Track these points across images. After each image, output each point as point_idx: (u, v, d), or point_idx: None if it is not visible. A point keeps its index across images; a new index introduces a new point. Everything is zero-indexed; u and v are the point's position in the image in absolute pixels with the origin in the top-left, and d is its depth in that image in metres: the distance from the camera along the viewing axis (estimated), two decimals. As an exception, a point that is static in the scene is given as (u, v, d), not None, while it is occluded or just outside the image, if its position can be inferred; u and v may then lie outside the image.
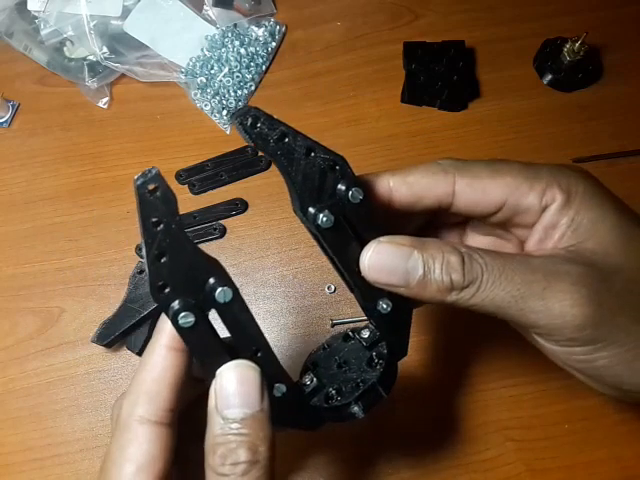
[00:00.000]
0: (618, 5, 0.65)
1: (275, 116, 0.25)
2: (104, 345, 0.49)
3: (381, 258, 0.28)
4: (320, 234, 0.27)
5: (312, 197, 0.27)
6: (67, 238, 0.55)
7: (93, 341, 0.49)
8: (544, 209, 0.29)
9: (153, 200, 0.23)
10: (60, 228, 0.56)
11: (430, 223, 0.35)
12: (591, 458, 0.46)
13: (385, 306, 0.30)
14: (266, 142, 0.25)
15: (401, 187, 0.30)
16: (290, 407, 0.29)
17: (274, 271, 0.53)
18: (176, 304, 0.25)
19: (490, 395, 0.48)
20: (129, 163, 0.58)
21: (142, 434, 0.27)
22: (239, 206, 0.55)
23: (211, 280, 0.25)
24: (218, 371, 0.26)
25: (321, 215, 0.27)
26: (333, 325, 0.50)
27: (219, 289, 0.25)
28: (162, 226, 0.23)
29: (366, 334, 0.32)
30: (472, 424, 0.47)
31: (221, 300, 0.25)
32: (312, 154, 0.26)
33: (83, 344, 0.50)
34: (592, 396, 0.47)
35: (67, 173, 0.58)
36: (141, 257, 0.53)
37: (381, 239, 0.28)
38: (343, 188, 0.27)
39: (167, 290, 0.24)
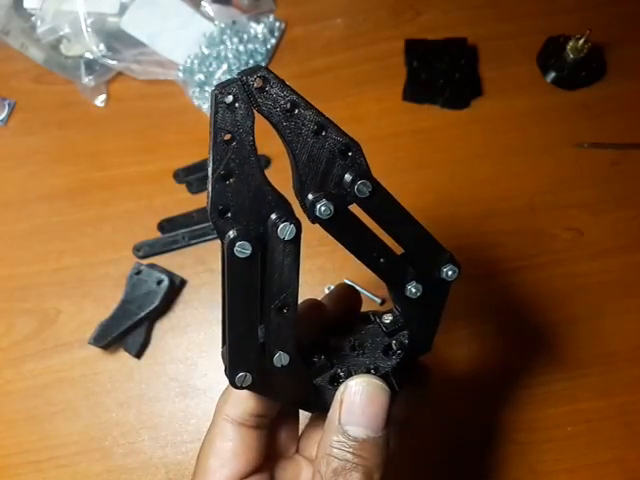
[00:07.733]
0: (621, 2, 0.64)
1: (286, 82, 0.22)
2: (101, 347, 0.48)
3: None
4: (319, 223, 0.25)
5: (314, 181, 0.24)
6: (63, 238, 0.54)
7: (90, 342, 0.48)
8: None
9: (230, 113, 0.21)
10: (56, 228, 0.55)
11: None
12: (594, 460, 0.46)
13: (414, 290, 0.27)
14: (273, 109, 0.22)
15: None
16: (288, 380, 0.27)
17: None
18: (233, 232, 0.23)
19: (493, 397, 0.47)
20: (126, 162, 0.57)
21: (228, 431, 0.28)
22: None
23: (273, 216, 0.23)
24: (350, 382, 0.26)
25: (319, 205, 0.23)
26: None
27: (282, 225, 0.23)
28: (234, 144, 0.22)
29: (388, 319, 0.29)
30: (475, 426, 0.46)
31: (282, 236, 0.23)
32: (323, 133, 0.23)
33: (80, 345, 0.50)
34: (595, 399, 0.47)
35: (63, 172, 0.57)
36: (139, 257, 0.53)
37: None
38: (350, 179, 0.24)
39: (228, 215, 0.23)
